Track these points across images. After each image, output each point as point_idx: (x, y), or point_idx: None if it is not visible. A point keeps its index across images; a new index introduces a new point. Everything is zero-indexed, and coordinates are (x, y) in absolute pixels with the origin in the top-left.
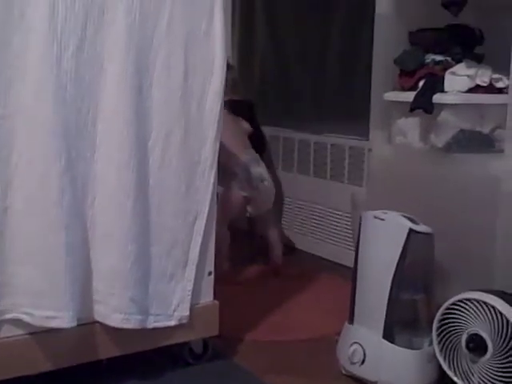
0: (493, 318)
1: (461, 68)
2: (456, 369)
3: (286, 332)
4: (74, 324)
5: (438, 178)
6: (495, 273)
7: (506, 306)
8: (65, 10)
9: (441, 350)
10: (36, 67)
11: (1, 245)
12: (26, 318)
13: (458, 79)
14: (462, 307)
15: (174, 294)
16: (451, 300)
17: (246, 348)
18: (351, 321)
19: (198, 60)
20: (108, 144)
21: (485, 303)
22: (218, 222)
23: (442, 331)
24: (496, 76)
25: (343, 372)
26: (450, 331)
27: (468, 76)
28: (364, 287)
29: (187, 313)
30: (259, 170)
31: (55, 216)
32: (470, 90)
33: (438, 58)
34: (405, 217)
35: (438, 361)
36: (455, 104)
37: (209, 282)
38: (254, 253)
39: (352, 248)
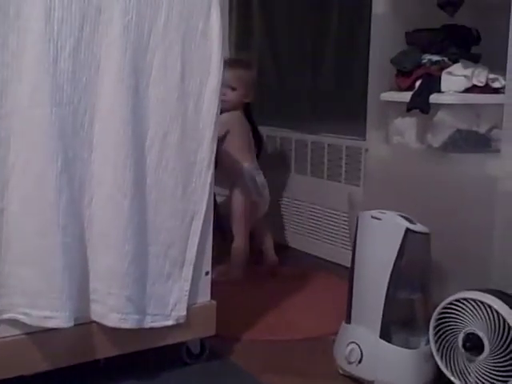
0: (489, 318)
1: (457, 68)
2: (453, 368)
3: (283, 332)
4: (71, 324)
5: (434, 178)
6: (492, 272)
7: (503, 305)
8: (61, 10)
9: (438, 350)
10: (32, 67)
11: None
12: (23, 318)
13: (455, 79)
14: (459, 306)
15: (171, 293)
16: (448, 299)
17: (243, 348)
18: (348, 320)
19: (195, 60)
20: (105, 144)
21: (481, 302)
22: (241, 232)
23: (438, 330)
24: (492, 76)
25: (340, 372)
26: (447, 330)
27: (464, 76)
28: (361, 287)
29: (184, 313)
30: (262, 177)
31: (52, 216)
32: (467, 90)
33: (435, 58)
34: (402, 216)
35: (434, 360)
36: (452, 104)
37: (206, 282)
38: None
39: (349, 248)
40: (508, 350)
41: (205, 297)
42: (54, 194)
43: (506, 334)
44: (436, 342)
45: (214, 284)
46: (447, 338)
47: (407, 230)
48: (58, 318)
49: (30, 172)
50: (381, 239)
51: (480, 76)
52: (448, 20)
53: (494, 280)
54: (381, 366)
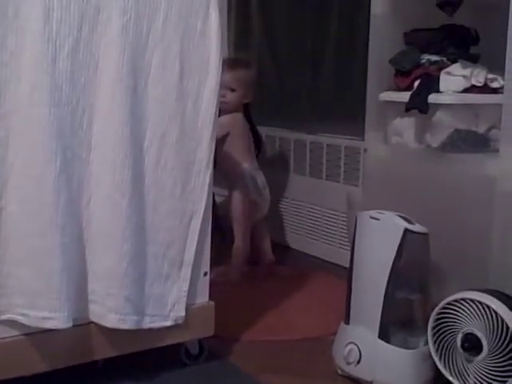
0: (488, 318)
1: (456, 68)
2: (451, 368)
3: (281, 332)
4: (70, 325)
5: (433, 178)
6: (490, 273)
7: (502, 305)
8: (60, 10)
9: (436, 350)
10: (31, 67)
11: None
12: (21, 319)
13: (454, 79)
14: (458, 307)
15: (170, 294)
16: (446, 300)
17: (242, 348)
18: (347, 321)
19: (194, 60)
20: (103, 144)
21: (480, 303)
22: (242, 233)
23: (437, 331)
24: (491, 76)
25: (339, 372)
26: (446, 331)
27: (463, 76)
28: (359, 287)
29: (183, 313)
30: (262, 177)
31: (50, 216)
32: (466, 90)
33: (434, 58)
34: (400, 217)
35: (433, 360)
36: (450, 104)
37: (204, 283)
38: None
39: (347, 248)
40: (506, 351)
41: (203, 297)
42: (53, 194)
43: (504, 334)
44: (434, 342)
45: (212, 284)
46: (446, 338)
47: (406, 231)
48: (57, 318)
49: (29, 172)
50: (379, 239)
51: (479, 76)
52: (447, 20)
53: (493, 280)
54: (379, 367)
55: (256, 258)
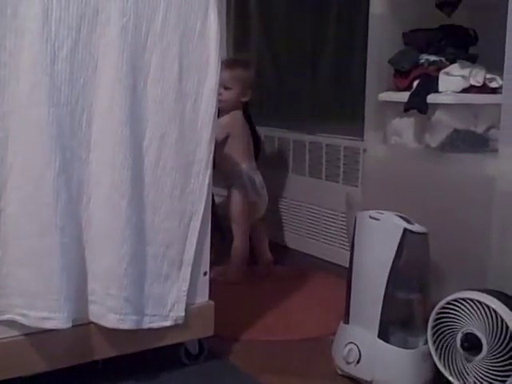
0: (487, 318)
1: (455, 68)
2: (451, 368)
3: (281, 332)
4: (69, 325)
5: (432, 178)
6: (490, 272)
7: (501, 305)
8: (59, 11)
9: (436, 349)
10: (30, 68)
11: None
12: (20, 319)
13: (452, 79)
14: (457, 306)
15: (170, 294)
16: (446, 299)
17: (242, 348)
18: (346, 320)
19: (193, 60)
20: (103, 144)
21: (480, 302)
22: (241, 233)
23: (437, 330)
24: (490, 76)
25: (339, 372)
26: (445, 330)
27: (462, 76)
28: (359, 287)
29: (182, 313)
30: (260, 177)
31: (50, 217)
32: (464, 90)
33: (432, 58)
34: (400, 217)
35: (433, 360)
36: (449, 104)
37: (204, 283)
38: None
39: (347, 248)
40: (506, 350)
41: (203, 297)
42: (52, 195)
43: (504, 334)
44: (434, 341)
45: (212, 284)
46: (445, 337)
47: (405, 230)
48: (56, 319)
49: (28, 173)
50: (379, 239)
51: (477, 76)
52: (446, 20)
53: (492, 280)
54: (379, 366)
55: (255, 258)
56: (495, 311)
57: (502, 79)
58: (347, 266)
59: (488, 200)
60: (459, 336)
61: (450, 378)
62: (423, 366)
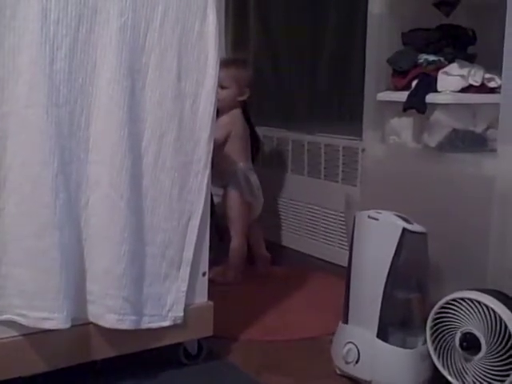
0: (486, 317)
1: (453, 68)
2: (450, 367)
3: (280, 332)
4: (68, 325)
5: (431, 178)
6: (489, 272)
7: (500, 305)
8: (57, 11)
9: (435, 349)
10: (28, 68)
11: None
12: (19, 320)
13: (451, 79)
14: (456, 306)
15: (169, 294)
16: (445, 299)
17: (241, 348)
18: (345, 320)
19: (192, 61)
20: (102, 145)
21: (479, 302)
22: (239, 232)
23: (435, 330)
24: (488, 76)
25: (337, 372)
26: (444, 330)
27: (461, 76)
28: (358, 287)
29: (181, 313)
30: (255, 178)
31: (48, 217)
32: (463, 90)
33: (431, 57)
34: (398, 216)
35: (431, 360)
36: (448, 104)
37: (203, 283)
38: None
39: (346, 248)
40: (505, 350)
41: (202, 297)
42: (51, 195)
43: (503, 333)
44: (433, 341)
45: (211, 285)
46: (444, 337)
47: (404, 230)
48: (55, 319)
49: (27, 173)
50: (378, 239)
51: (476, 76)
52: (444, 20)
53: (491, 280)
54: (378, 366)
55: (252, 258)
56: (494, 311)
57: (500, 79)
58: (346, 265)
59: (487, 200)
60: (458, 336)
61: (449, 378)
62: (422, 365)
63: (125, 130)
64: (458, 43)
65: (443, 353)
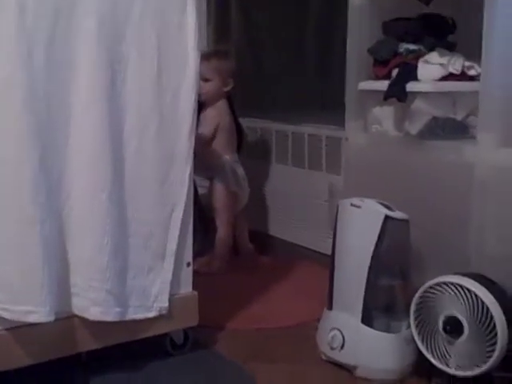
0: (468, 301)
1: (433, 56)
2: (434, 351)
3: (266, 320)
4: (52, 318)
5: (412, 166)
6: (470, 258)
7: (482, 288)
8: (35, 5)
9: (419, 333)
10: (6, 63)
11: None
12: (3, 314)
13: (431, 67)
14: (439, 290)
15: (153, 285)
16: (428, 283)
17: (227, 337)
18: (330, 307)
19: (172, 54)
20: (82, 139)
21: (460, 286)
22: (224, 223)
23: (419, 314)
24: (468, 64)
25: (323, 357)
26: (427, 314)
27: (440, 64)
28: (342, 273)
29: (166, 304)
30: (241, 169)
31: (30, 212)
32: (443, 78)
33: (411, 47)
34: (381, 204)
35: (416, 344)
36: (428, 92)
37: (187, 273)
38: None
39: (331, 236)
40: (487, 333)
41: (187, 287)
42: (32, 190)
43: (485, 317)
44: (417, 325)
45: (196, 275)
46: (428, 321)
47: (386, 217)
48: (39, 312)
49: (8, 168)
50: (360, 226)
51: (456, 64)
52: (425, 9)
53: (473, 266)
54: (363, 351)
55: (236, 249)
56: (476, 294)
57: (480, 66)
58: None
59: (467, 187)
60: (441, 319)
61: (433, 361)
62: (406, 349)
63: (105, 124)
64: (437, 32)
65: (427, 336)
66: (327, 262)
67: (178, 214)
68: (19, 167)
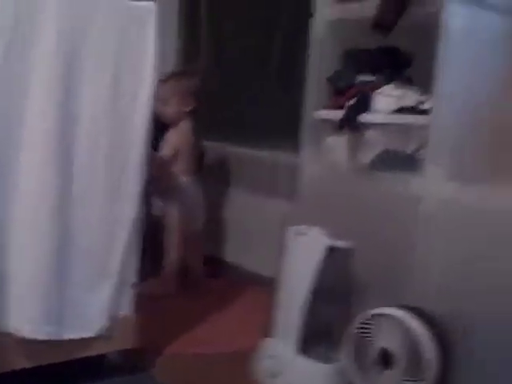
0: (402, 334)
1: (389, 89)
2: (366, 380)
3: (206, 345)
4: None
5: (362, 196)
6: (410, 289)
7: (415, 321)
8: None
9: (352, 363)
10: None
11: None
12: None
13: (385, 99)
14: (374, 322)
15: (92, 304)
16: (363, 315)
17: (166, 361)
18: (269, 334)
19: (129, 63)
20: (32, 147)
21: (395, 319)
22: (176, 245)
23: (354, 345)
24: (422, 98)
25: None
26: (363, 345)
27: (395, 97)
28: (283, 301)
29: (106, 324)
30: (199, 191)
31: None
32: (397, 111)
33: (368, 78)
34: (325, 233)
35: (350, 373)
36: (381, 123)
37: (129, 294)
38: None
39: None
40: (417, 364)
41: (127, 309)
42: None
43: (414, 349)
44: (352, 355)
45: (142, 297)
46: (363, 352)
47: (328, 247)
48: None
49: None
50: (303, 254)
51: (410, 97)
52: (384, 41)
53: (416, 298)
54: (299, 381)
55: (186, 271)
56: (409, 328)
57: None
58: None
59: (413, 219)
60: (374, 350)
61: None
62: (341, 379)
63: (57, 130)
64: (395, 65)
65: (360, 367)
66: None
67: (124, 232)
68: None
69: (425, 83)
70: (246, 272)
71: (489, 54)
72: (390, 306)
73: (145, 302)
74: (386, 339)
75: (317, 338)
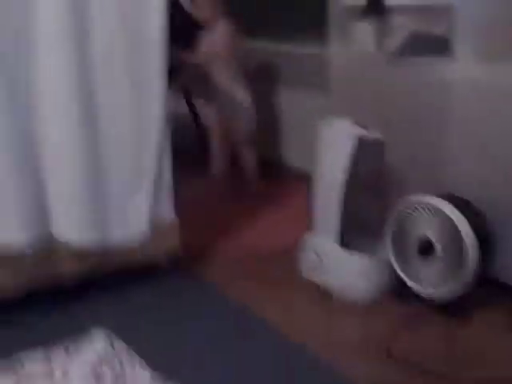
0: (442, 222)
1: None
2: (407, 270)
3: (253, 245)
4: (33, 248)
5: (390, 83)
6: (445, 178)
7: (453, 208)
8: None
9: (393, 254)
10: None
11: None
12: None
13: None
14: (413, 212)
15: (135, 211)
16: (402, 205)
17: (211, 263)
18: (310, 230)
19: None
20: (52, 67)
21: (434, 207)
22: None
23: (394, 236)
24: None
25: (304, 280)
26: (401, 235)
27: None
28: (319, 196)
29: (149, 230)
30: (241, 94)
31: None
32: None
33: None
34: (357, 124)
35: (391, 264)
36: (407, 5)
37: (169, 199)
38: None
39: None
40: (457, 252)
41: (169, 214)
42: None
43: (455, 237)
44: (392, 246)
45: (183, 201)
46: (402, 242)
47: (359, 138)
48: (19, 242)
49: None
50: (336, 148)
51: None
52: None
53: (448, 185)
54: (340, 273)
55: (240, 173)
56: (449, 216)
57: None
58: None
59: (444, 104)
60: (415, 240)
61: (406, 280)
62: (381, 270)
63: (72, 47)
64: None
65: (401, 257)
66: None
67: (154, 129)
68: None
69: None
70: (302, 172)
71: None
72: (424, 195)
73: (185, 207)
74: (425, 228)
75: (355, 230)
